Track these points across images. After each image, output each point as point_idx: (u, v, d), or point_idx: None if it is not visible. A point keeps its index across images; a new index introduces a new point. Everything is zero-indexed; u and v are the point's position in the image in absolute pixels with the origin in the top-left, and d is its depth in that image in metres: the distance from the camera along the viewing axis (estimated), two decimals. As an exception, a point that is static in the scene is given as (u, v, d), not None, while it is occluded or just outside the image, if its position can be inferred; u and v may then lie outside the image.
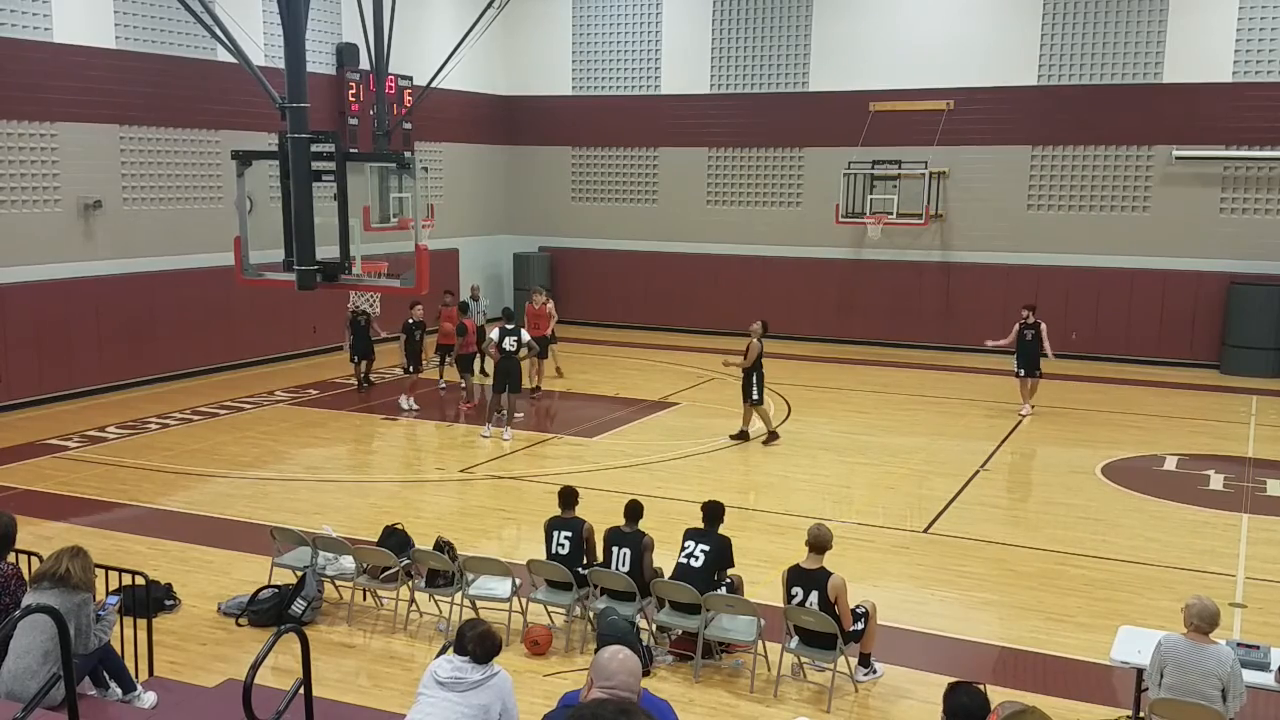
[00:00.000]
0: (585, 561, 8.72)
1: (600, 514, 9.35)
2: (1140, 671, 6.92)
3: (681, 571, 8.35)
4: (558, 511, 8.99)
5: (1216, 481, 13.51)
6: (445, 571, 8.92)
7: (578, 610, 8.73)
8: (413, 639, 8.69)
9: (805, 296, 23.71)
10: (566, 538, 8.74)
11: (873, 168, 22.60)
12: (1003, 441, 15.39)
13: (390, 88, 18.54)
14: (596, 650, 4.98)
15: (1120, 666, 7.16)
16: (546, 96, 26.01)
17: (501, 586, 8.74)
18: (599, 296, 25.73)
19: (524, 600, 8.74)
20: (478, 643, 5.41)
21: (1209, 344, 20.71)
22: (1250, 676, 6.59)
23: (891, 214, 22.05)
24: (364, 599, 9.26)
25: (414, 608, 9.03)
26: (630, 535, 8.58)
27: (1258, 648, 6.96)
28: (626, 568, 8.45)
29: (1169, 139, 20.80)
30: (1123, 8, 20.95)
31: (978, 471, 13.78)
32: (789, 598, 7.88)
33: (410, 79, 21.05)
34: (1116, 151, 21.34)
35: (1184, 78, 20.55)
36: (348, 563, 9.16)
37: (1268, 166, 20.25)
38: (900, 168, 22.36)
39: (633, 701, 3.62)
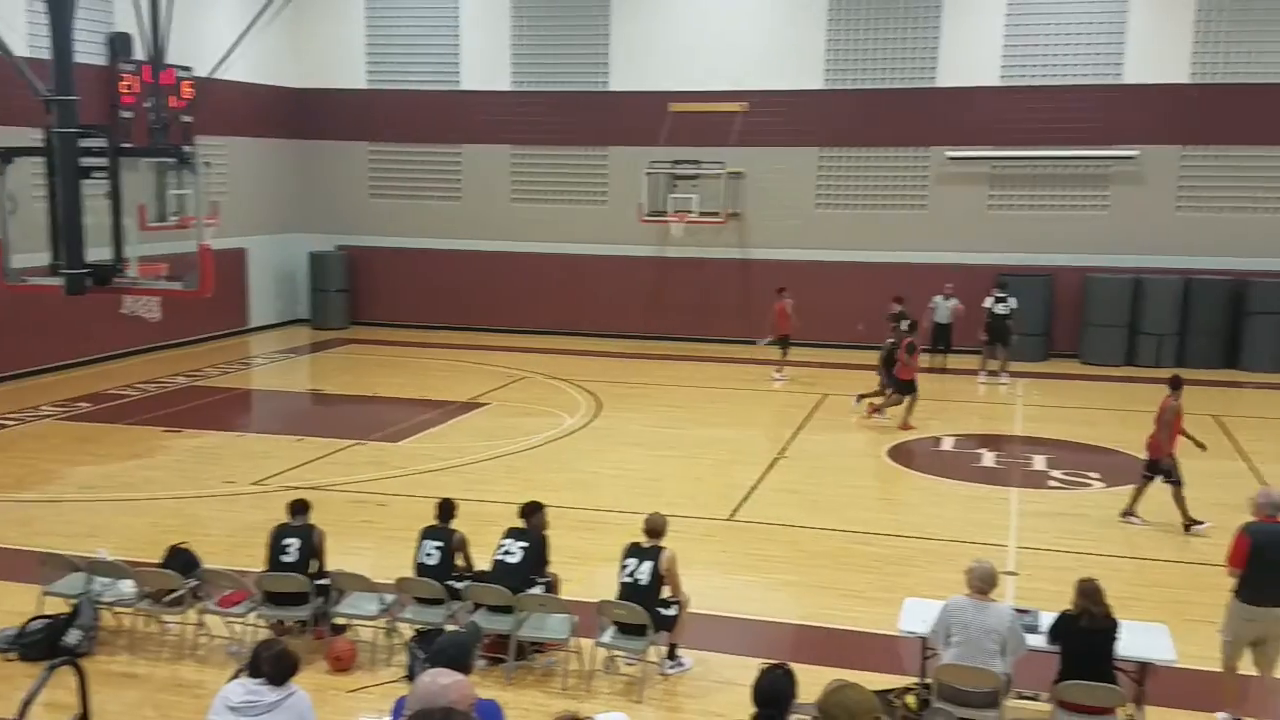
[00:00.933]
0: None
1: (410, 520, 9.18)
2: (925, 640, 7.35)
3: (499, 567, 8.35)
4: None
5: (989, 459, 14.51)
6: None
7: (383, 623, 8.51)
8: (202, 665, 8.24)
9: (613, 294, 23.95)
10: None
11: (673, 167, 23.06)
12: (800, 428, 16.01)
13: (168, 79, 17.47)
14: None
15: (907, 636, 7.58)
16: (340, 89, 25.19)
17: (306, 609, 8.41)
18: (402, 296, 25.18)
19: (330, 614, 8.47)
20: (273, 663, 5.21)
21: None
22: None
23: (693, 212, 22.58)
24: (146, 625, 8.71)
25: (203, 631, 8.56)
26: (442, 531, 8.53)
27: (1029, 612, 7.47)
28: (435, 562, 8.38)
29: (943, 140, 22.16)
30: (899, 15, 22.14)
31: (777, 459, 14.29)
32: (622, 568, 8.06)
33: (190, 69, 19.89)
34: (897, 152, 22.56)
35: (956, 82, 21.94)
36: (127, 587, 8.59)
37: (1031, 165, 21.87)
38: (699, 167, 22.91)
39: (449, 710, 3.53)
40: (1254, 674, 7.50)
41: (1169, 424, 11.25)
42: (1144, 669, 7.09)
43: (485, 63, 24.32)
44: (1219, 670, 7.59)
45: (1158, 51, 20.78)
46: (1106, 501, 12.76)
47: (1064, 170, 21.67)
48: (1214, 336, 20.61)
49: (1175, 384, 11.51)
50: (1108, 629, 6.84)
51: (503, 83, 24.34)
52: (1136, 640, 7.04)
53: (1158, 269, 20.89)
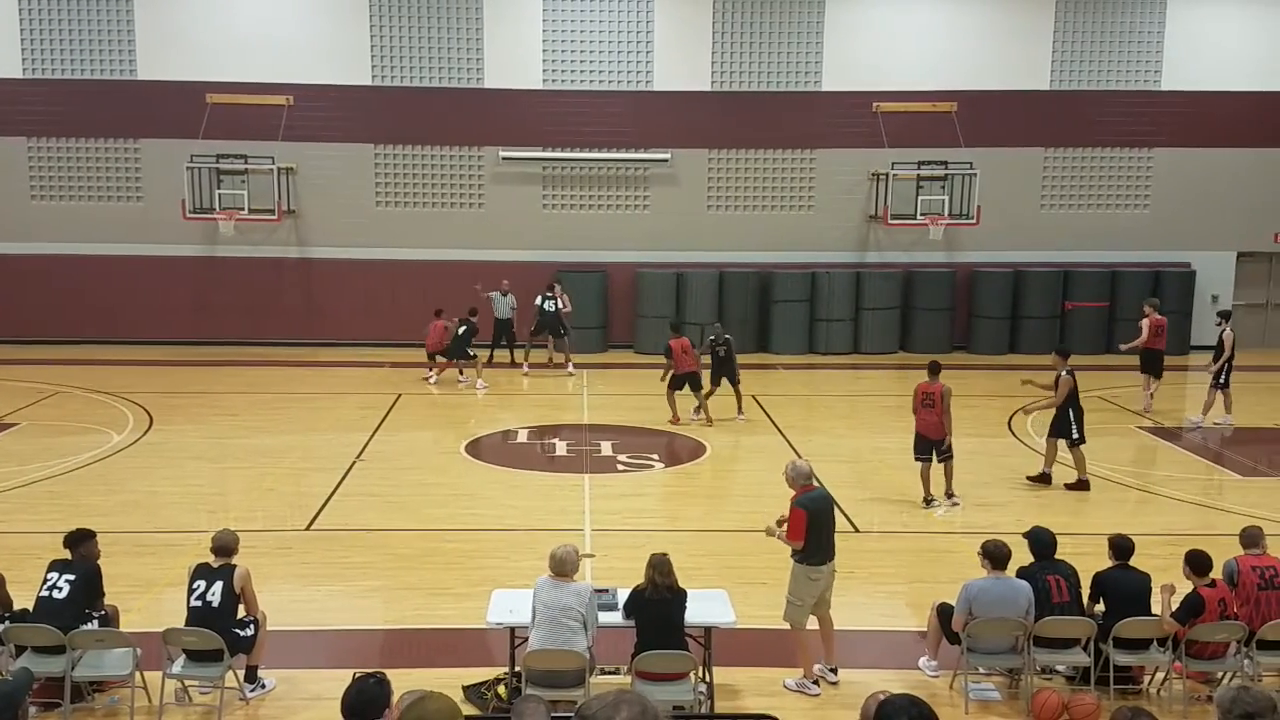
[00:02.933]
0: None
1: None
2: (514, 630, 7.57)
3: (44, 605, 7.50)
4: None
5: (561, 448, 15.24)
6: None
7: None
8: None
9: (154, 297, 22.04)
10: None
11: (217, 162, 21.60)
12: (375, 431, 15.75)
13: None
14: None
15: (496, 628, 7.77)
16: None
17: None
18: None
19: None
20: None
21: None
22: (604, 617, 7.50)
23: (243, 209, 21.30)
24: None
25: None
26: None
27: (607, 591, 7.90)
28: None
29: (496, 140, 22.71)
30: (440, 14, 22.25)
31: (354, 463, 13.97)
32: (190, 592, 7.57)
33: None
34: (454, 151, 22.79)
35: (504, 84, 22.55)
36: None
37: (578, 167, 23.11)
38: (247, 163, 21.65)
39: None
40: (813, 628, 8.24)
41: (948, 407, 11.98)
42: (709, 633, 7.75)
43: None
44: (779, 629, 8.27)
45: (681, 61, 22.74)
46: (668, 480, 13.97)
47: (609, 172, 23.16)
48: (747, 323, 23.02)
49: (935, 369, 12.32)
50: (675, 599, 7.42)
51: (11, 69, 21.53)
52: (700, 607, 7.67)
53: (696, 263, 22.97)
